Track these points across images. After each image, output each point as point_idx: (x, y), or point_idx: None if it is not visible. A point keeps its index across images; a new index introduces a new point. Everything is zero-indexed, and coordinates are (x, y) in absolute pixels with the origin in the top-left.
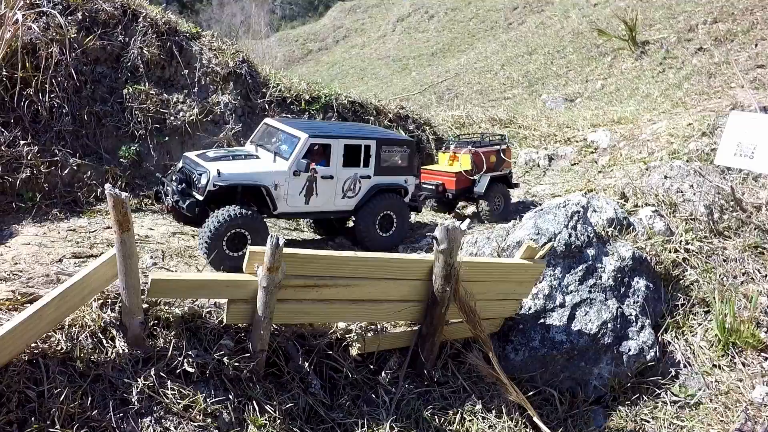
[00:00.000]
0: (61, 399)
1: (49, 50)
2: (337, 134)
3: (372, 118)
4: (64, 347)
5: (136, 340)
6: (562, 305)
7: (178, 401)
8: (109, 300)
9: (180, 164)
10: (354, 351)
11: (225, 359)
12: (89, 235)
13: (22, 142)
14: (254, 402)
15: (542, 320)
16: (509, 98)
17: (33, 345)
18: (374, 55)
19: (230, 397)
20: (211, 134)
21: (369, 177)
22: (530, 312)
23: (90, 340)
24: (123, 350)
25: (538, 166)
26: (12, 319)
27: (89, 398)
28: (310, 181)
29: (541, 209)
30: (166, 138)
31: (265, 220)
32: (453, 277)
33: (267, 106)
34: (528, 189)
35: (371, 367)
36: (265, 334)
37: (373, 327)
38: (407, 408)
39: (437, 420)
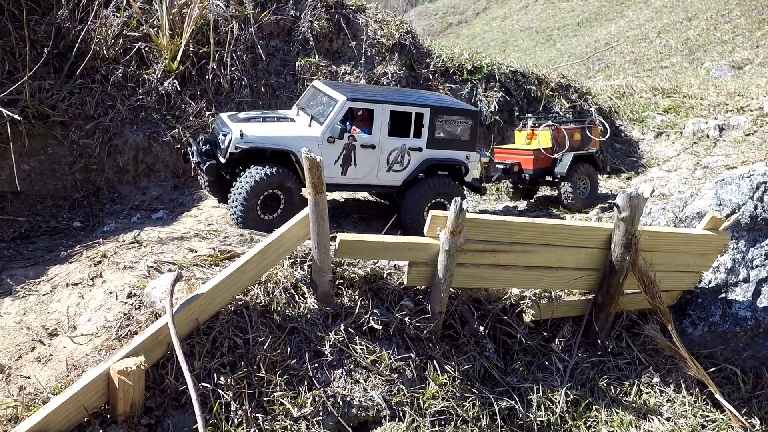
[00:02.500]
0: (264, 347)
1: (230, 26)
2: (382, 99)
3: (533, 87)
4: (263, 300)
5: (325, 297)
6: (746, 280)
7: (366, 356)
8: (298, 259)
9: (213, 125)
10: (527, 317)
11: (406, 319)
12: None
13: (207, 113)
14: (434, 361)
15: (723, 295)
16: (667, 67)
17: (237, 297)
18: (516, 26)
19: (412, 355)
20: None
21: (420, 149)
22: (710, 286)
23: (284, 295)
24: (313, 306)
25: (707, 136)
26: (221, 272)
27: (288, 348)
28: (347, 150)
29: (723, 180)
30: None
31: None
32: (633, 246)
33: (431, 77)
34: (698, 161)
35: (544, 334)
36: (445, 297)
37: (546, 294)
38: (582, 376)
39: (613, 390)
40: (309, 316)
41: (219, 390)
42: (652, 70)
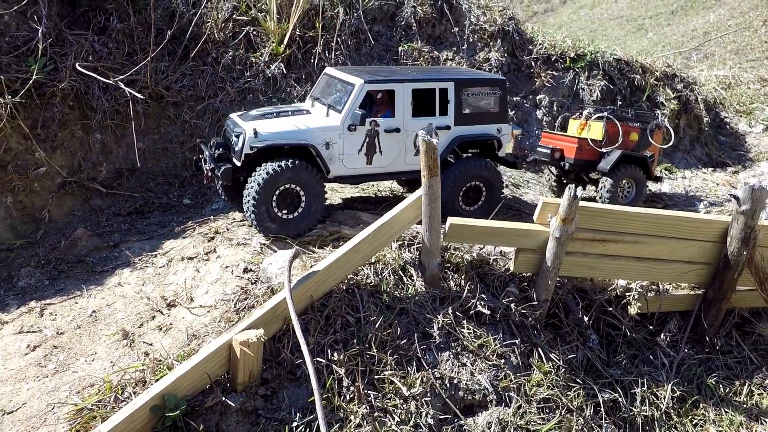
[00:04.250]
0: (375, 326)
1: (336, 11)
2: (402, 78)
3: (638, 76)
4: (373, 281)
5: (433, 280)
6: None
7: (473, 340)
8: (406, 241)
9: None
10: (633, 310)
11: (512, 306)
12: (372, 183)
13: None
14: (539, 349)
15: None
16: None
17: (349, 277)
18: (605, 15)
19: (517, 342)
20: None
21: (448, 127)
22: None
23: (392, 276)
24: (421, 288)
25: None
26: (336, 251)
27: (397, 329)
28: (370, 137)
29: None
30: None
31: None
32: (752, 240)
33: (533, 64)
34: None
35: (650, 327)
36: (551, 285)
37: (654, 287)
38: (688, 373)
39: (722, 389)
40: (417, 298)
41: (332, 365)
42: (757, 60)
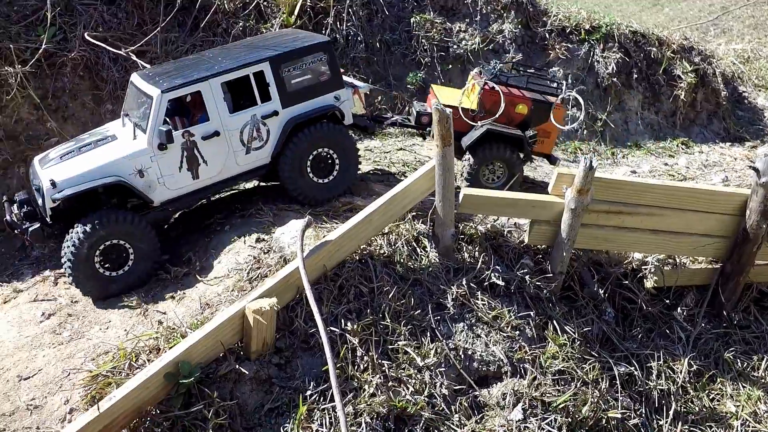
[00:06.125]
0: (389, 297)
1: None
2: (206, 74)
3: (654, 49)
4: (386, 251)
5: (447, 251)
6: None
7: (488, 312)
8: (420, 213)
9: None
10: (649, 283)
11: (527, 277)
12: (384, 155)
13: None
14: (554, 321)
15: None
16: None
17: (362, 247)
18: None
19: (531, 314)
20: None
21: (276, 113)
22: None
23: (406, 247)
24: (435, 259)
25: None
26: (349, 221)
27: (411, 299)
28: (187, 149)
29: None
30: (449, 66)
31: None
32: None
33: (547, 35)
34: None
35: (666, 301)
36: (566, 257)
37: (670, 260)
38: (705, 347)
39: (739, 363)
40: (431, 269)
41: (346, 335)
42: None
